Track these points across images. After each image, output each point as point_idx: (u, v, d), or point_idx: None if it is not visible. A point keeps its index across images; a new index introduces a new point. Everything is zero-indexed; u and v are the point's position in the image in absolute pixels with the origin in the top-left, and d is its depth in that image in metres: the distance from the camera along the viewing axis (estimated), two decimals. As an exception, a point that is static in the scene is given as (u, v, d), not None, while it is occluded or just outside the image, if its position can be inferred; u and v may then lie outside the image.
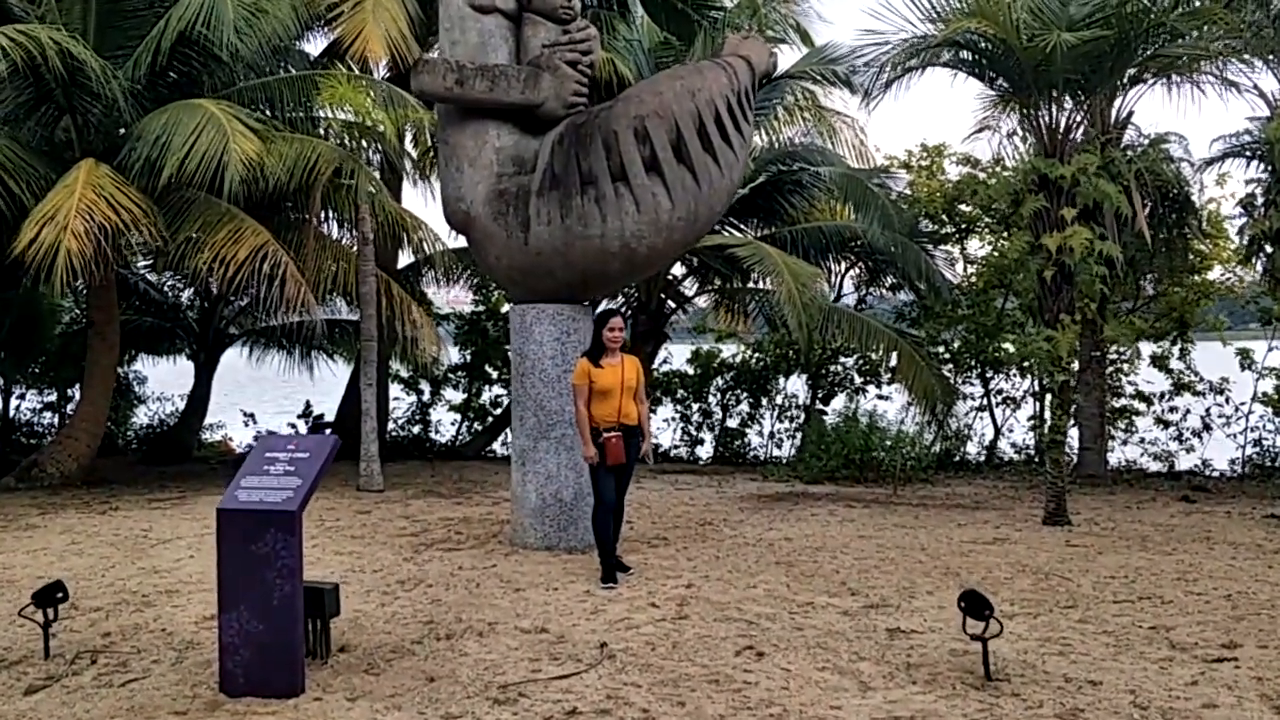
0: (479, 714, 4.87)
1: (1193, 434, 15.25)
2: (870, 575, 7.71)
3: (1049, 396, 14.77)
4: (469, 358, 18.16)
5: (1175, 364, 15.18)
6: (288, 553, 5.08)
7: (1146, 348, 15.23)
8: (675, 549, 8.70)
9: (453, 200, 8.77)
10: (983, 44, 10.41)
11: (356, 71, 14.07)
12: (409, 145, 16.60)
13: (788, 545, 8.87)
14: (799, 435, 16.41)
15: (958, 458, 15.62)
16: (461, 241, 12.49)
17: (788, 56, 15.44)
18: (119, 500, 11.63)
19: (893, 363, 15.06)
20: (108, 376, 13.85)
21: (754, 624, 6.35)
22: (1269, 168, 12.45)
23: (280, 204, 13.69)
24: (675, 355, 18.19)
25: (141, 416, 19.59)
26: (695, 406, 17.50)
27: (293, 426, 18.65)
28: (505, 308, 17.27)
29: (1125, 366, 15.31)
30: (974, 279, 16.34)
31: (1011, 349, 14.89)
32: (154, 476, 14.18)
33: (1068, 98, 10.38)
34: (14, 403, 18.54)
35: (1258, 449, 14.92)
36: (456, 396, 18.52)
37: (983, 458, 15.99)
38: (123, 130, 12.51)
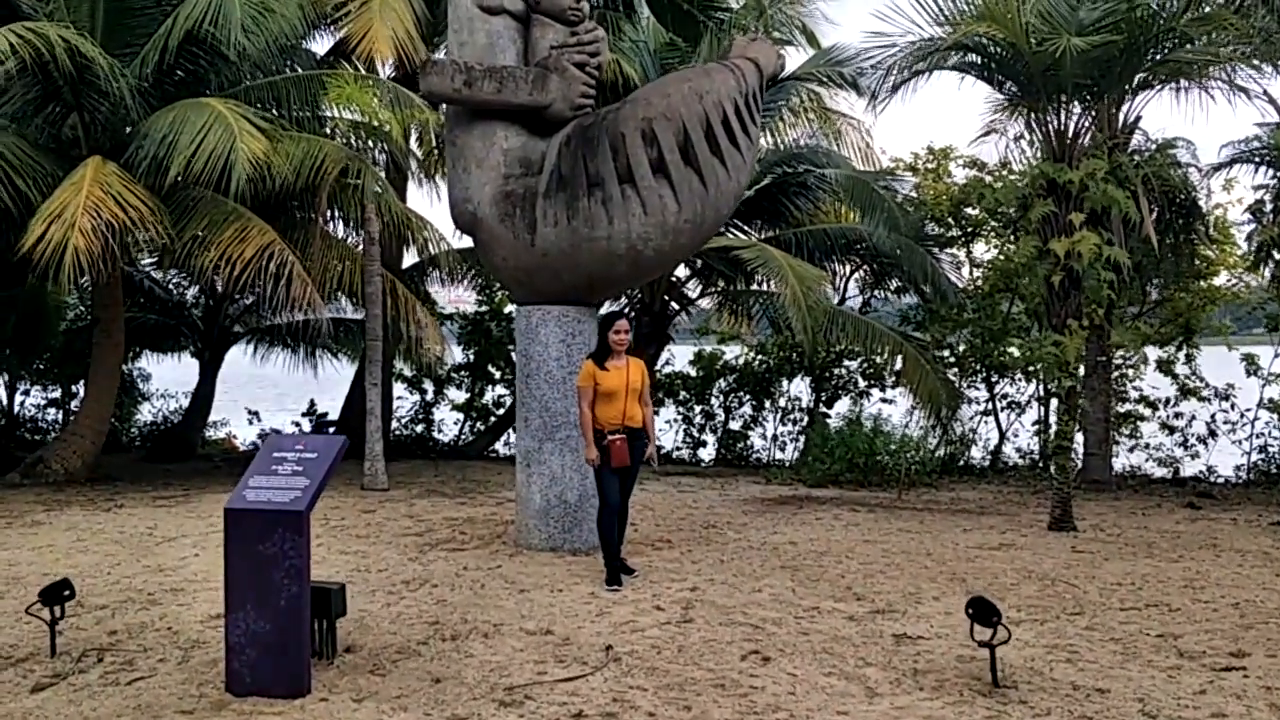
0: (485, 716, 4.87)
1: (1198, 440, 15.23)
2: (876, 580, 7.70)
3: (1054, 401, 14.75)
4: (472, 357, 18.17)
5: (1181, 369, 15.15)
6: (295, 553, 5.08)
7: (1152, 353, 15.21)
8: (679, 552, 8.69)
9: (460, 201, 8.76)
10: (991, 48, 10.40)
11: (363, 71, 14.07)
12: (414, 145, 16.60)
13: (792, 549, 8.86)
14: (802, 438, 16.40)
15: (962, 462, 15.58)
16: (466, 242, 12.49)
17: (794, 58, 15.45)
18: (124, 497, 11.63)
19: (898, 366, 15.04)
20: (112, 373, 13.85)
21: (760, 628, 6.34)
22: (1277, 174, 12.44)
23: (286, 203, 13.70)
24: (678, 357, 18.18)
25: (146, 414, 19.62)
26: (698, 409, 17.49)
27: (297, 425, 18.67)
28: (508, 308, 17.29)
29: (1130, 371, 15.29)
30: (980, 283, 16.31)
31: (1017, 353, 14.85)
32: (158, 474, 14.18)
33: (1076, 102, 10.36)
34: (19, 399, 18.56)
35: (1263, 456, 14.89)
36: (459, 396, 18.53)
37: (987, 462, 15.96)
38: (129, 128, 12.50)
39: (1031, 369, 15.04)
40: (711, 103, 8.36)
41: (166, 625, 6.35)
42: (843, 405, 16.67)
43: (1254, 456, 14.91)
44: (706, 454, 17.39)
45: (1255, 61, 11.04)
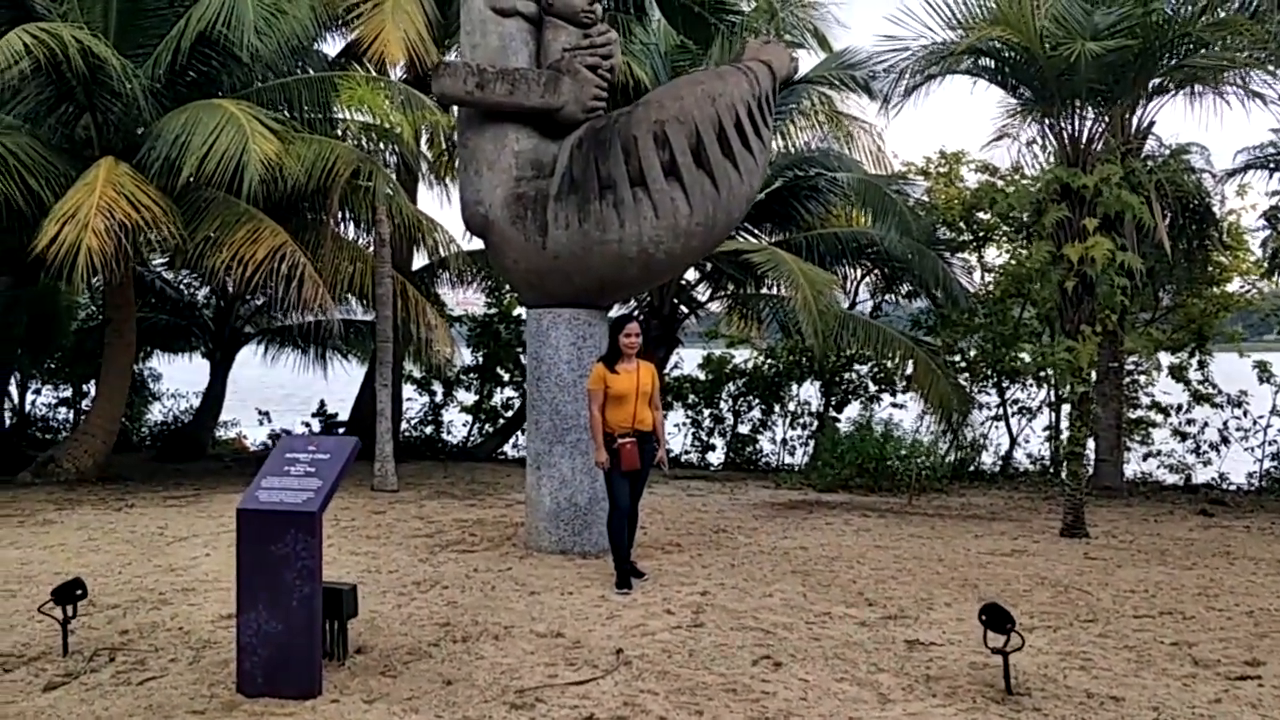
0: (496, 718, 4.85)
1: (1210, 447, 15.17)
2: (887, 586, 7.67)
3: (1065, 407, 14.72)
4: (481, 360, 18.18)
5: (1193, 375, 15.09)
6: (307, 554, 5.07)
7: (1164, 359, 15.15)
8: (689, 556, 8.67)
9: (471, 203, 8.76)
10: (1005, 52, 10.36)
11: (374, 73, 14.09)
12: (424, 147, 16.61)
13: (803, 554, 8.83)
14: (812, 443, 16.36)
15: (973, 468, 15.54)
16: (476, 244, 12.52)
17: (805, 61, 15.40)
18: (135, 497, 11.64)
19: (908, 371, 15.00)
20: (124, 373, 13.89)
21: (771, 633, 6.32)
22: (1292, 180, 12.38)
23: (298, 205, 13.71)
24: (687, 360, 18.16)
25: (156, 414, 19.69)
26: (707, 412, 17.47)
27: (306, 425, 18.70)
28: (517, 310, 17.29)
29: (1142, 378, 15.23)
30: (991, 288, 16.27)
31: (1028, 359, 14.82)
32: (169, 474, 14.21)
33: (1090, 107, 10.32)
34: (31, 398, 18.62)
35: (1276, 463, 14.83)
36: (468, 398, 18.55)
37: (998, 468, 15.92)
38: (142, 129, 12.53)
39: (1043, 374, 15.01)
40: (724, 105, 8.34)
41: (178, 625, 6.35)
42: (853, 410, 16.64)
43: (1267, 464, 14.85)
44: (715, 458, 17.36)
45: (1270, 67, 10.98)
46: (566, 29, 8.80)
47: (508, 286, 16.65)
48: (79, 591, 5.80)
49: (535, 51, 8.84)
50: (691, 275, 16.09)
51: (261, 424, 19.46)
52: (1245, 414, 15.07)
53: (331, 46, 16.36)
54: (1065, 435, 12.33)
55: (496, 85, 8.39)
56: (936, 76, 11.21)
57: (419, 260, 16.73)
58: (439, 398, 18.46)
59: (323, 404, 18.72)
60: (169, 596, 7.06)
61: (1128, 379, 14.70)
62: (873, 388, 16.76)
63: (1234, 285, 15.56)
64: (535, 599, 7.08)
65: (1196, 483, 14.86)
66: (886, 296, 17.14)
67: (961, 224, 16.44)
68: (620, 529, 7.52)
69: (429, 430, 18.33)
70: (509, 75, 8.43)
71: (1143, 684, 5.44)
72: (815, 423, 16.81)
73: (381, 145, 13.91)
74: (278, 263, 11.68)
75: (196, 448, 16.87)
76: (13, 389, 17.87)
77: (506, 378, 18.23)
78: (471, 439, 18.21)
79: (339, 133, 13.84)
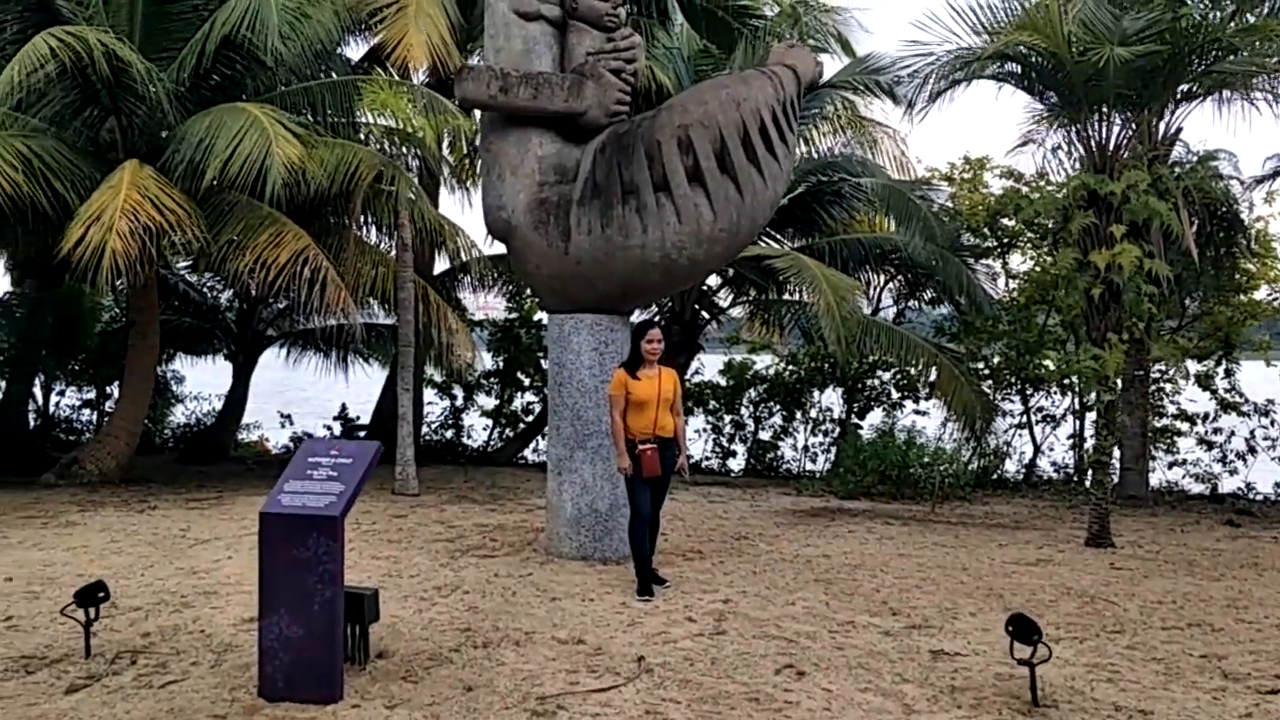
0: (518, 727, 4.83)
1: (1237, 456, 15.01)
2: (911, 595, 7.60)
3: (1089, 415, 14.60)
4: (501, 364, 18.18)
5: (1220, 384, 14.94)
6: (329, 558, 5.06)
7: (1190, 367, 15.01)
8: (711, 563, 8.62)
9: (494, 208, 8.73)
10: (1032, 57, 10.30)
11: (397, 77, 14.11)
12: (446, 151, 16.64)
13: (825, 562, 8.77)
14: (834, 449, 16.28)
15: (996, 476, 15.42)
16: (498, 248, 12.51)
17: (829, 66, 15.34)
18: (157, 499, 11.68)
19: (931, 378, 14.91)
20: (147, 375, 13.95)
21: (793, 642, 6.26)
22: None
23: (321, 209, 13.76)
24: (708, 366, 18.11)
25: (179, 416, 19.76)
26: (727, 418, 17.41)
27: (328, 429, 18.75)
28: (538, 315, 17.29)
29: (1168, 386, 15.10)
30: (1016, 294, 16.16)
31: (1052, 366, 14.71)
32: (191, 476, 14.25)
33: (1117, 113, 10.24)
34: (54, 399, 18.73)
35: (1304, 472, 14.67)
36: (489, 402, 18.55)
37: (1021, 476, 15.80)
38: (166, 132, 12.60)
39: (1067, 382, 14.89)
40: (749, 110, 8.29)
41: (199, 628, 6.35)
42: (875, 417, 16.55)
43: (1294, 473, 14.69)
44: (736, 464, 17.30)
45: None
46: (590, 33, 8.78)
47: (529, 291, 16.64)
48: (101, 594, 5.80)
49: (559, 56, 8.82)
50: (713, 280, 16.05)
51: (283, 427, 19.53)
52: (1272, 423, 14.91)
53: (355, 50, 16.46)
54: (1090, 443, 12.23)
55: (520, 89, 8.37)
56: (961, 82, 11.16)
57: (440, 264, 16.79)
58: (460, 402, 18.47)
59: (344, 407, 18.76)
60: (191, 599, 7.06)
61: (1153, 387, 14.57)
62: (895, 394, 16.66)
63: (1261, 293, 15.38)
64: (556, 605, 7.04)
65: (1223, 492, 14.70)
66: (910, 303, 17.05)
67: (986, 230, 16.34)
68: (641, 535, 7.47)
69: (450, 434, 18.34)
70: (532, 79, 8.41)
71: (1171, 697, 5.36)
72: (837, 429, 16.72)
73: (404, 149, 13.93)
74: (300, 266, 11.71)
75: (219, 450, 16.93)
76: (37, 390, 17.98)
77: (527, 382, 18.22)
78: (492, 443, 18.21)
79: (362, 137, 13.88)
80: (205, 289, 18.68)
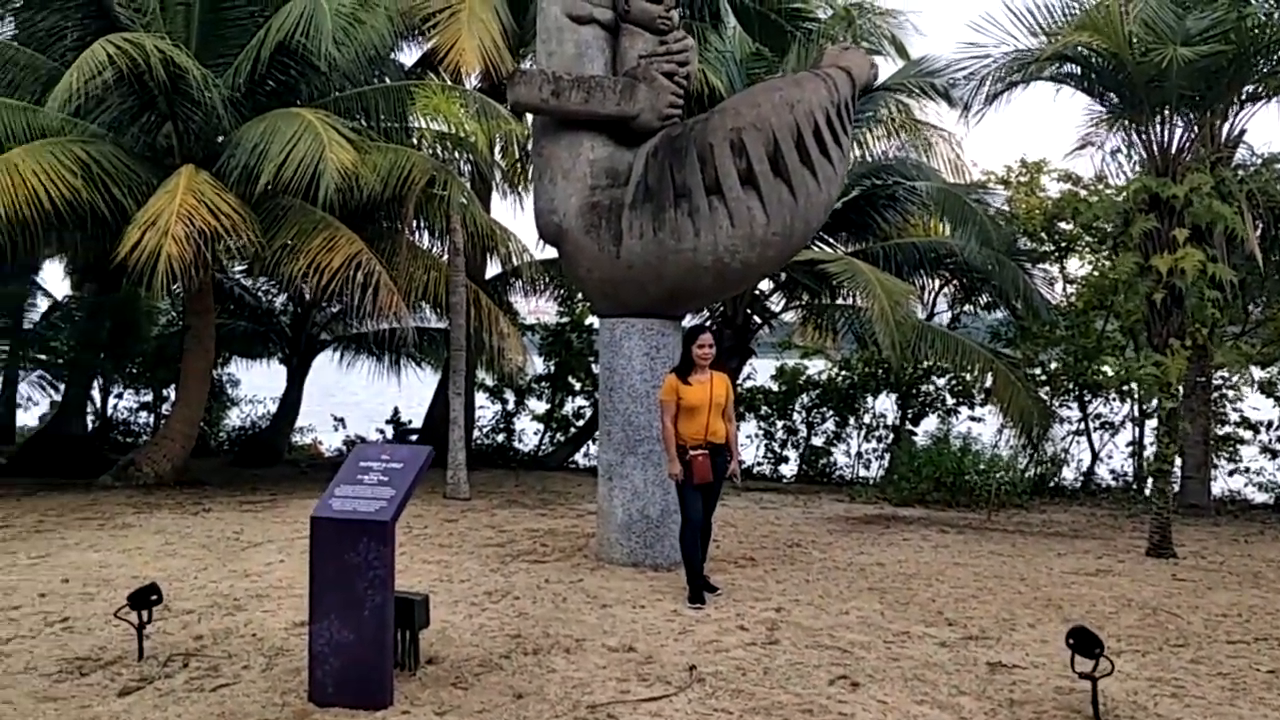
0: (568, 736, 4.77)
1: (1302, 465, 14.66)
2: (968, 605, 7.45)
3: (1149, 422, 14.30)
4: (553, 369, 18.21)
5: (1285, 391, 14.60)
6: (380, 563, 5.04)
7: (1254, 374, 14.67)
8: (763, 570, 8.53)
9: (545, 212, 8.71)
10: (1092, 58, 10.08)
11: (449, 82, 14.17)
12: (498, 156, 16.68)
13: (880, 570, 8.64)
14: (887, 456, 16.10)
15: (1053, 483, 15.16)
16: (549, 253, 12.51)
17: (883, 69, 15.17)
18: (211, 501, 11.79)
19: (987, 384, 14.69)
20: (203, 379, 14.10)
21: (848, 652, 6.16)
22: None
23: (374, 213, 13.84)
24: (759, 371, 18.00)
25: (234, 419, 20.00)
26: (779, 424, 17.29)
27: (380, 432, 18.87)
28: (589, 319, 17.29)
29: (1231, 393, 14.76)
30: (1073, 299, 15.89)
31: (1111, 372, 14.42)
32: (245, 478, 14.40)
33: (1179, 115, 10.01)
34: (112, 401, 19.03)
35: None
36: (540, 407, 18.58)
37: (1079, 484, 15.52)
38: (221, 137, 12.73)
39: (1126, 388, 14.60)
40: (803, 112, 8.20)
41: (251, 632, 6.37)
42: (930, 423, 16.35)
43: (1361, 484, 14.30)
44: (788, 470, 17.17)
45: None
46: (643, 36, 8.73)
47: (580, 295, 16.65)
48: (154, 597, 5.83)
49: (611, 59, 8.78)
50: (765, 285, 15.93)
51: (336, 430, 19.68)
52: (1339, 432, 14.54)
53: (408, 56, 16.55)
54: (1150, 451, 11.96)
55: (572, 93, 8.34)
56: (1019, 83, 10.96)
57: (492, 269, 16.83)
58: (511, 406, 18.53)
59: (396, 411, 18.87)
60: (243, 602, 7.09)
61: (1215, 394, 14.25)
62: (950, 400, 16.46)
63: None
64: (607, 612, 6.99)
65: (1288, 502, 14.36)
66: (965, 307, 16.83)
67: (1043, 234, 16.08)
68: (693, 542, 7.40)
69: (501, 438, 18.39)
70: (584, 83, 8.37)
71: (1238, 713, 5.20)
72: (891, 435, 16.54)
73: (456, 154, 13.98)
74: (353, 271, 11.79)
75: (273, 453, 17.10)
76: (95, 393, 18.28)
77: (578, 387, 18.24)
78: (543, 448, 18.23)
79: (414, 141, 13.95)
80: (260, 293, 18.89)
